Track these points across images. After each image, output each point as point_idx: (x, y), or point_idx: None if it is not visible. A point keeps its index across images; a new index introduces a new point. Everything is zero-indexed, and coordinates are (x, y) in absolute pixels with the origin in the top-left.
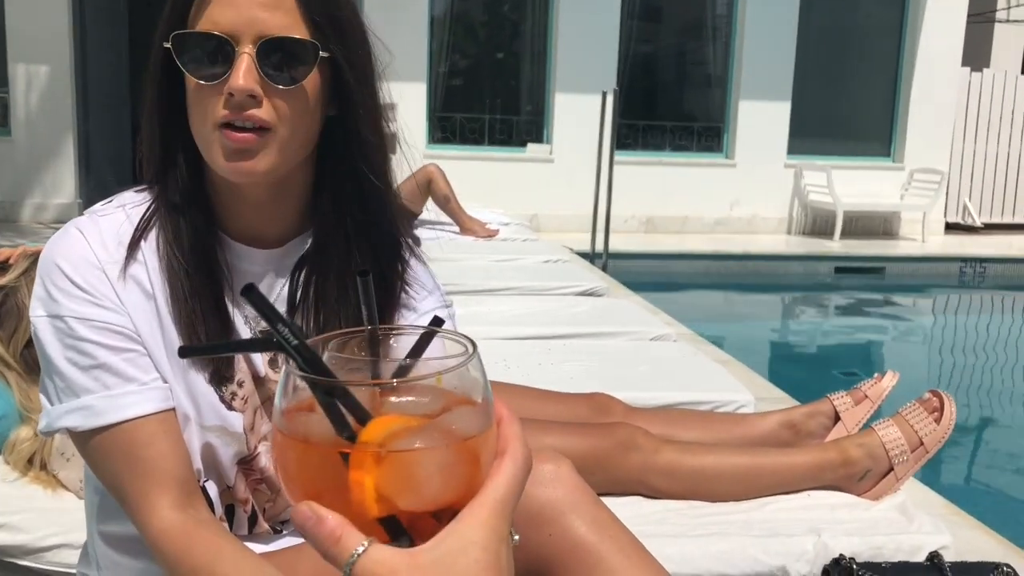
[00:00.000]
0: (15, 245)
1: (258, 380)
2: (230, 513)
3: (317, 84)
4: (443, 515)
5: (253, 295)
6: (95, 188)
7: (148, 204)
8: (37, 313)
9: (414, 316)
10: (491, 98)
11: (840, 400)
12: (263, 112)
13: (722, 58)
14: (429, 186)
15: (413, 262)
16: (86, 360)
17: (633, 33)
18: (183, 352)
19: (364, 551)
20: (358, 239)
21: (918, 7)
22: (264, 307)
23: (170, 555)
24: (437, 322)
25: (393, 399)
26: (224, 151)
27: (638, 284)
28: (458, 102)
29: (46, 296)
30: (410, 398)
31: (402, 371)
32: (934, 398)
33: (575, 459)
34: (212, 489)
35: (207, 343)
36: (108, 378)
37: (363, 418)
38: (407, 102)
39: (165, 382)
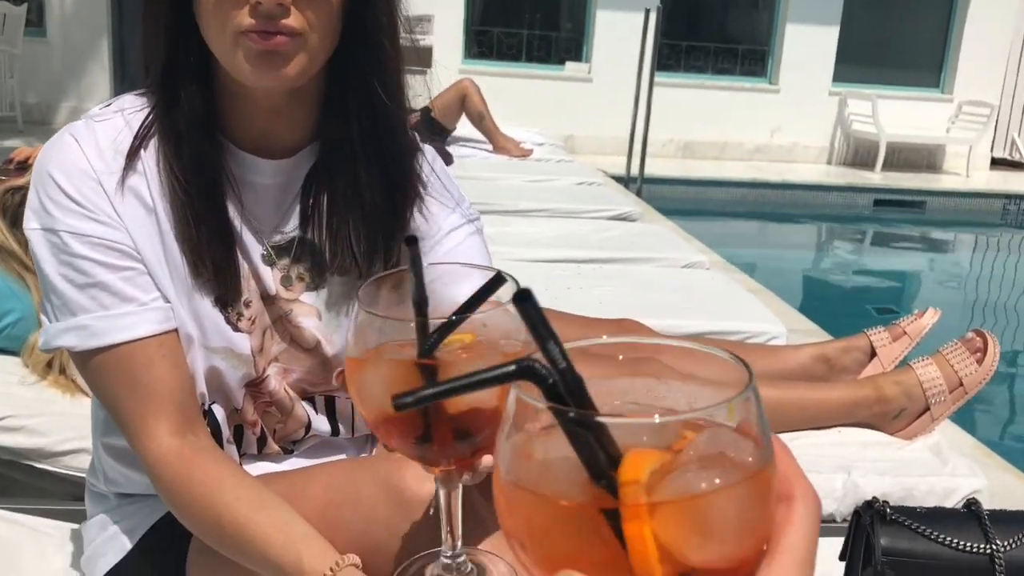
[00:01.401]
0: None
1: (268, 299)
2: (239, 434)
3: None
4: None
5: (528, 304)
6: (129, 91)
7: (148, 110)
8: (31, 226)
9: (431, 242)
10: (530, 13)
11: (877, 336)
12: (293, 20)
13: None
14: (463, 101)
15: (434, 177)
16: (82, 278)
17: None
18: (399, 405)
19: None
20: (366, 150)
21: None
22: (537, 319)
23: (169, 483)
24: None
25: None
26: (249, 56)
27: (673, 210)
28: (496, 16)
29: (40, 208)
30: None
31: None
32: (977, 338)
33: None
34: (219, 412)
35: (425, 388)
36: (105, 297)
37: (615, 456)
38: (444, 15)
39: (167, 301)
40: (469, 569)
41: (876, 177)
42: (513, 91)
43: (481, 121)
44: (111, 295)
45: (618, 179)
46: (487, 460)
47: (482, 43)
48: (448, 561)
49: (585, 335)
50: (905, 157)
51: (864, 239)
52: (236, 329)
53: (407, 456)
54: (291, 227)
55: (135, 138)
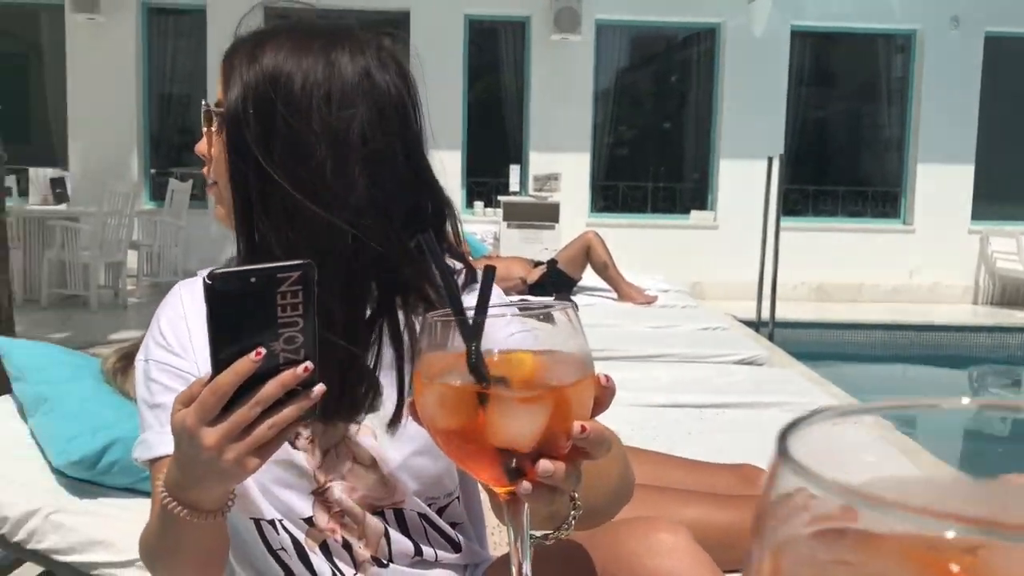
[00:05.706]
0: None
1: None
2: (325, 549)
3: None
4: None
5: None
6: None
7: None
8: (139, 357)
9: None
10: (655, 166)
11: None
12: None
13: (898, 121)
14: (588, 253)
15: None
16: (151, 399)
17: (802, 98)
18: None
19: None
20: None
21: None
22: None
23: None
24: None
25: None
26: None
27: (808, 354)
28: (622, 171)
29: (144, 344)
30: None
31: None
32: None
33: (717, 531)
34: (292, 526)
35: None
36: (164, 416)
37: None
38: (571, 172)
39: None
40: None
41: None
42: (640, 241)
43: (605, 271)
44: (168, 413)
45: (749, 323)
46: (544, 465)
47: (608, 196)
48: None
49: (702, 482)
50: None
51: (1021, 382)
52: (294, 447)
53: (480, 474)
54: None
55: None
